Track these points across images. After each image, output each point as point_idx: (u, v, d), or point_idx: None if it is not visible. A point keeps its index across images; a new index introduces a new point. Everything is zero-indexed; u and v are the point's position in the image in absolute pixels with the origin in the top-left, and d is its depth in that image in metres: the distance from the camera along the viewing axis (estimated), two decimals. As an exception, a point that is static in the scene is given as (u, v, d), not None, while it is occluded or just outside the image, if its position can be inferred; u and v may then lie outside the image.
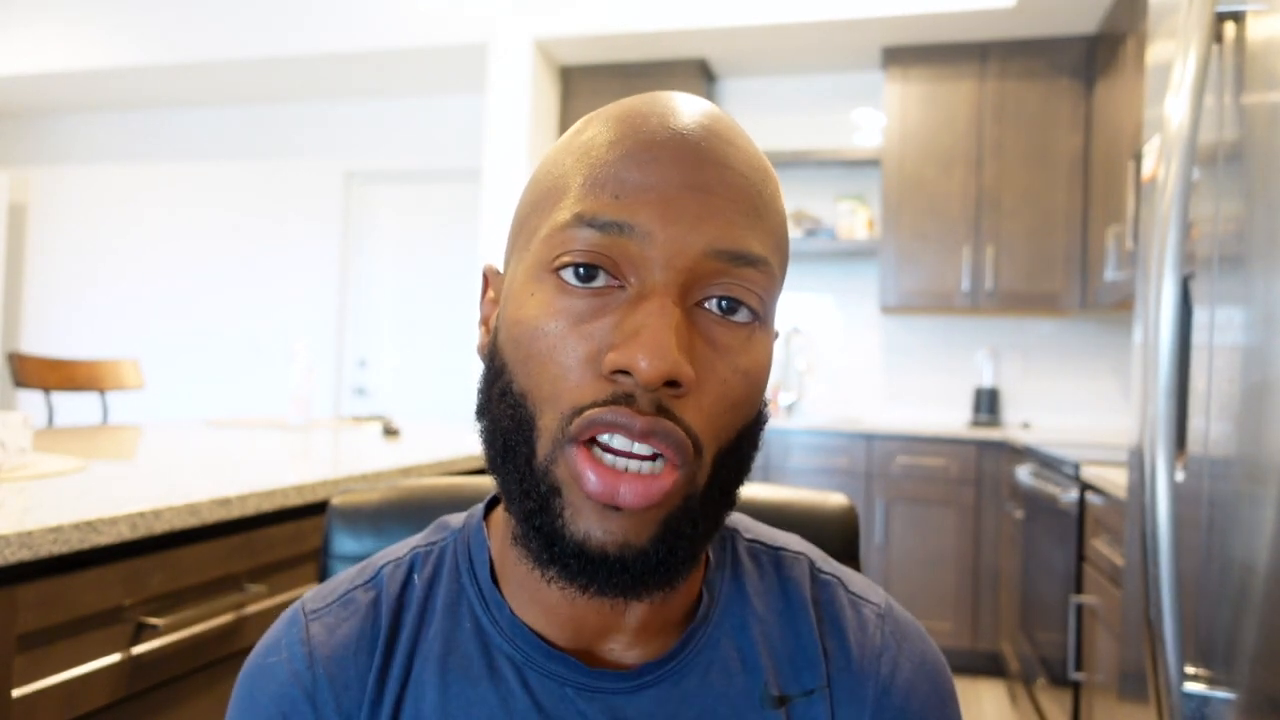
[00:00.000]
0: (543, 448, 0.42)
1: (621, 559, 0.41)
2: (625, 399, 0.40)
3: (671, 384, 0.40)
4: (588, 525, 0.41)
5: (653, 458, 0.41)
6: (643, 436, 0.40)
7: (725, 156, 0.44)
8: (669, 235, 0.41)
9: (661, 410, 0.40)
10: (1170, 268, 0.88)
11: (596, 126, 0.46)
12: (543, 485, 0.42)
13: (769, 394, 3.96)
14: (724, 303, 0.43)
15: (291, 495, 1.25)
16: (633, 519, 0.41)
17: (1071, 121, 3.37)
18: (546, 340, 0.42)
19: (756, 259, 0.43)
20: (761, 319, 0.44)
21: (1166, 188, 0.90)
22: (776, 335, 0.52)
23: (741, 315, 0.43)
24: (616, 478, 0.40)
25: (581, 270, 0.42)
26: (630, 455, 0.40)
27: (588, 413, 0.40)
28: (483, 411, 0.46)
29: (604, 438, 0.41)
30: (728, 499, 0.46)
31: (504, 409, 0.44)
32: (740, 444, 0.45)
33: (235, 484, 1.20)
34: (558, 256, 0.43)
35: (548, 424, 0.42)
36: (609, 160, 0.43)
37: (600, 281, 0.42)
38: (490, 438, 0.45)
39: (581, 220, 0.42)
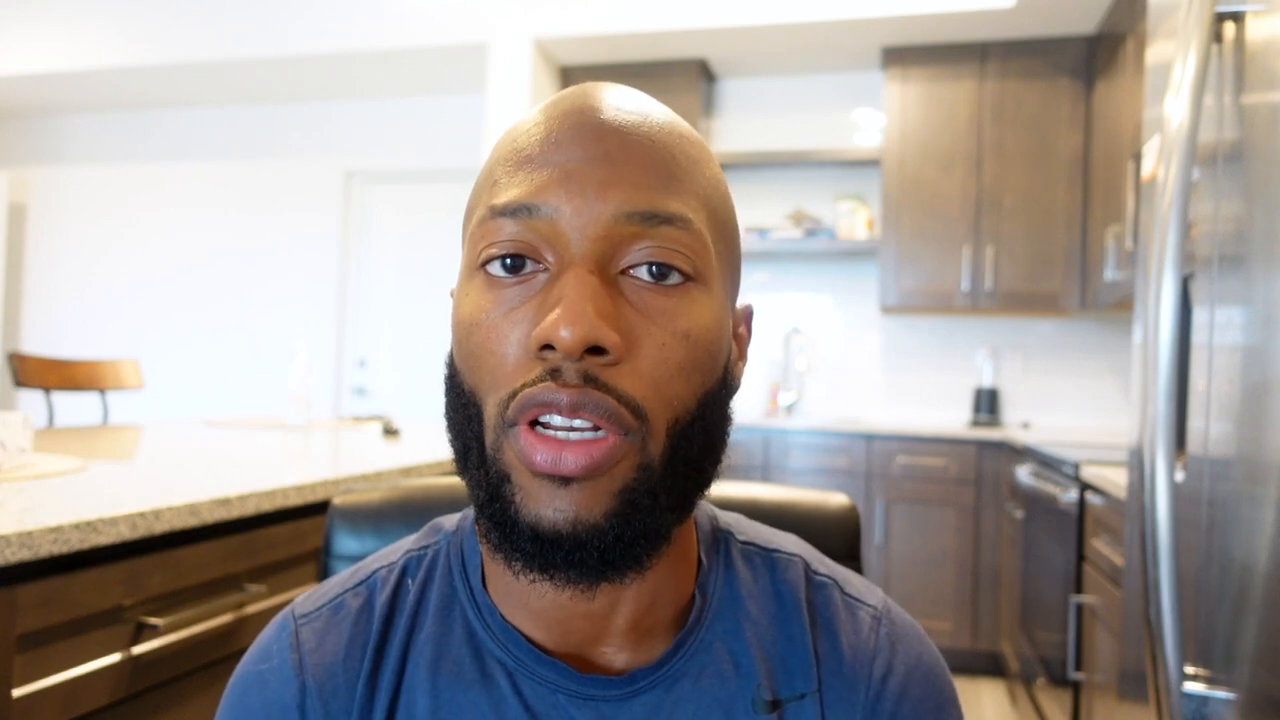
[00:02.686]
0: (489, 436, 0.42)
1: (575, 537, 0.40)
2: (553, 374, 0.40)
3: (597, 351, 0.40)
4: (538, 508, 0.40)
5: (594, 429, 0.40)
6: (572, 411, 0.39)
7: (629, 125, 0.44)
8: (575, 207, 0.41)
9: (590, 380, 0.40)
10: (1170, 268, 0.88)
11: (522, 121, 0.47)
12: (492, 472, 0.42)
13: (767, 394, 3.96)
14: (653, 268, 0.42)
15: (291, 495, 1.25)
16: (583, 492, 0.40)
17: (1071, 121, 3.37)
18: (481, 332, 0.43)
19: (673, 216, 0.42)
20: (696, 279, 0.43)
21: (1166, 188, 0.90)
22: (750, 310, 0.52)
23: (673, 278, 0.43)
24: (560, 446, 0.40)
25: (507, 261, 0.43)
26: (570, 430, 0.40)
27: (519, 395, 0.40)
28: (448, 420, 0.46)
29: (542, 419, 0.40)
30: (698, 476, 0.45)
31: (460, 409, 0.44)
32: (703, 413, 0.44)
33: (235, 484, 1.20)
34: (482, 251, 0.43)
35: (491, 413, 0.42)
36: (517, 150, 0.44)
37: (526, 269, 0.43)
38: (454, 443, 0.46)
39: (495, 212, 0.43)
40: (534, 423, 0.40)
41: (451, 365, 0.46)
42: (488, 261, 0.43)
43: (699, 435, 0.44)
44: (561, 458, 0.39)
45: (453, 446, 0.46)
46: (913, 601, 3.22)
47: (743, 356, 0.50)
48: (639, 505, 0.41)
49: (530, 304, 0.42)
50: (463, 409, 0.44)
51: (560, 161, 0.42)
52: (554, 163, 0.42)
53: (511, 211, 0.42)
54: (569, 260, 0.41)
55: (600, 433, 0.40)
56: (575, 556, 0.41)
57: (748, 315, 0.52)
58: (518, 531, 0.41)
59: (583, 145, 0.43)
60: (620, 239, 0.42)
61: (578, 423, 0.40)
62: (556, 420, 0.40)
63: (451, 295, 0.51)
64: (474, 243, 0.44)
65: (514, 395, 0.41)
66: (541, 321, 0.40)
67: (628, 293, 0.42)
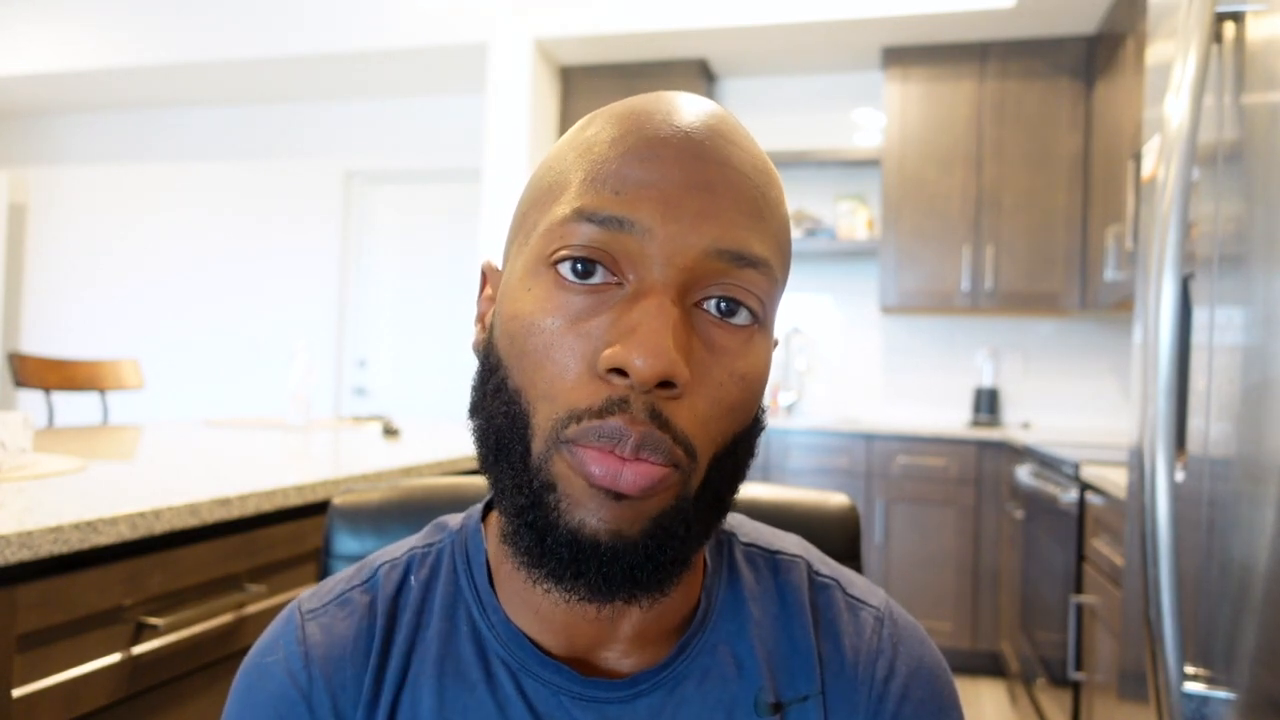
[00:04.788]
0: (538, 444, 0.41)
1: (613, 549, 0.40)
2: (620, 404, 0.39)
3: (666, 384, 0.39)
4: (583, 514, 0.40)
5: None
6: (634, 451, 0.39)
7: (729, 156, 0.43)
8: (669, 233, 0.40)
9: (655, 416, 0.39)
10: (1170, 268, 0.88)
11: (599, 124, 0.45)
12: (536, 481, 0.41)
13: (768, 395, 3.96)
14: (723, 304, 0.42)
15: (291, 495, 1.25)
16: (628, 508, 0.40)
17: (1071, 121, 3.37)
18: (542, 336, 0.41)
19: (758, 260, 0.42)
20: (761, 322, 0.44)
21: (1166, 188, 0.90)
22: (776, 342, 0.51)
23: (741, 318, 0.43)
24: (620, 463, 0.39)
25: (579, 266, 0.41)
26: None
27: (583, 423, 0.40)
28: (476, 409, 0.45)
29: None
30: (720, 505, 0.45)
31: (498, 405, 0.43)
32: (735, 449, 0.44)
33: (235, 484, 1.20)
34: (556, 250, 0.42)
35: (542, 421, 0.41)
36: (611, 157, 0.42)
37: (598, 278, 0.41)
38: (483, 435, 0.44)
39: (581, 215, 0.41)
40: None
41: (493, 354, 0.45)
42: (561, 261, 0.42)
43: (728, 469, 0.44)
44: (621, 474, 0.39)
45: (480, 436, 0.45)
46: (913, 602, 3.22)
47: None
48: (672, 532, 0.41)
49: (601, 319, 0.41)
50: (505, 405, 0.43)
51: (658, 181, 0.41)
52: (651, 181, 0.41)
53: (600, 220, 0.41)
54: (651, 285, 0.40)
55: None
56: (606, 569, 0.40)
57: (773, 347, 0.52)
58: (555, 537, 0.41)
59: (683, 169, 0.42)
60: (704, 273, 0.41)
61: (626, 471, 0.39)
62: (610, 460, 0.40)
63: (485, 270, 0.50)
64: (547, 239, 0.43)
65: (574, 417, 0.40)
66: (613, 342, 0.39)
67: (696, 325, 0.42)
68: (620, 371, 0.39)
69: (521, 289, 0.43)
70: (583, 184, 0.42)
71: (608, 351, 0.39)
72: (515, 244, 0.47)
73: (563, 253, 0.42)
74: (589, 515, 0.40)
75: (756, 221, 0.43)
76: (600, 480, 0.39)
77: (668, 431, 0.40)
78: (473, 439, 0.46)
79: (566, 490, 0.41)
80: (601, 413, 0.39)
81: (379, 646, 0.48)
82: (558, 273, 0.42)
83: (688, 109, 0.44)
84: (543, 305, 0.42)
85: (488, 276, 0.50)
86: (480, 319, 0.49)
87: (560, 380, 0.41)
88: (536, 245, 0.43)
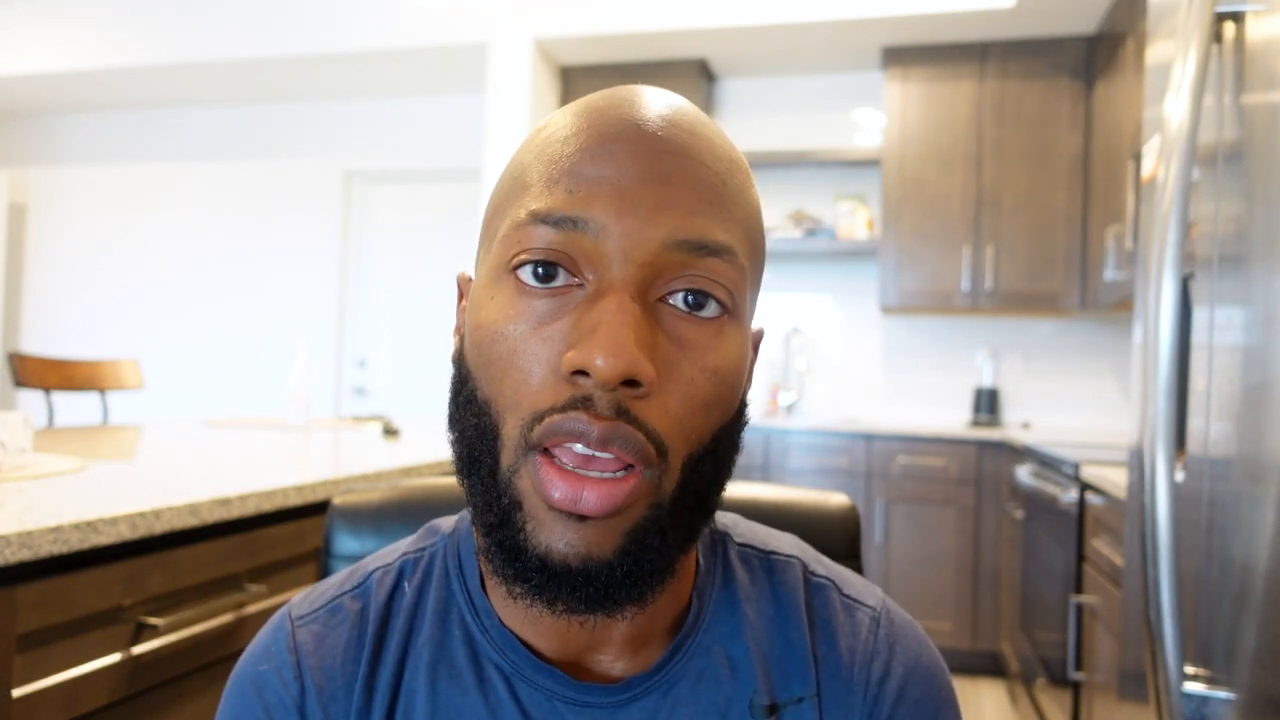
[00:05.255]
0: (506, 458, 0.41)
1: (585, 572, 0.39)
2: (583, 402, 0.38)
3: (631, 383, 0.38)
4: (549, 538, 0.39)
5: (615, 468, 0.39)
6: (601, 444, 0.38)
7: (684, 146, 0.42)
8: (624, 228, 0.40)
9: (621, 413, 0.38)
10: (1170, 268, 0.88)
11: (556, 122, 0.45)
12: (504, 498, 0.41)
13: (768, 394, 3.95)
14: (690, 297, 0.41)
15: (291, 495, 1.25)
16: (596, 529, 0.39)
17: (1071, 121, 3.37)
18: (506, 344, 0.41)
19: (721, 248, 0.41)
20: (731, 312, 0.42)
21: (1166, 188, 0.90)
22: (761, 334, 0.50)
23: (709, 309, 0.41)
24: (580, 483, 0.38)
25: (540, 269, 0.41)
26: (591, 464, 0.39)
27: (546, 420, 0.39)
28: (452, 421, 0.45)
29: (564, 445, 0.39)
30: (703, 508, 0.43)
31: (469, 418, 0.43)
32: (716, 447, 0.43)
33: (235, 484, 1.20)
34: (515, 256, 0.41)
35: (510, 432, 0.40)
36: (565, 155, 0.42)
37: (560, 280, 0.41)
38: (458, 448, 0.44)
39: (536, 218, 0.41)
40: (551, 450, 0.39)
41: (464, 364, 0.44)
42: (521, 266, 0.41)
43: (709, 469, 0.43)
44: (582, 496, 0.38)
45: (455, 450, 0.44)
46: (913, 602, 3.22)
47: (750, 381, 0.49)
48: (648, 544, 0.40)
49: (563, 321, 0.40)
50: (474, 417, 0.42)
51: (612, 177, 0.40)
52: (605, 177, 0.40)
53: (554, 221, 0.40)
54: (610, 282, 0.40)
55: (620, 473, 0.39)
56: (580, 591, 0.40)
57: (757, 339, 0.50)
58: (525, 559, 0.40)
59: (637, 162, 0.41)
60: (665, 266, 0.40)
61: (601, 455, 0.38)
62: (579, 449, 0.39)
63: (460, 282, 0.50)
64: (506, 245, 0.42)
65: (539, 419, 0.39)
66: (575, 343, 0.39)
67: (663, 321, 0.41)
68: (584, 373, 0.38)
69: (485, 298, 0.43)
70: (539, 185, 0.42)
71: (569, 354, 0.38)
72: (482, 250, 0.46)
73: (522, 257, 0.41)
74: (555, 540, 0.39)
75: (718, 210, 0.42)
76: (559, 504, 0.38)
77: (638, 428, 0.39)
78: (451, 450, 0.45)
79: (532, 510, 0.40)
80: (565, 408, 0.39)
81: (370, 655, 0.48)
82: (518, 278, 0.41)
83: (644, 102, 0.44)
84: (505, 312, 0.41)
85: (462, 287, 0.50)
86: (458, 330, 0.49)
87: (525, 386, 0.40)
88: (497, 252, 0.43)
